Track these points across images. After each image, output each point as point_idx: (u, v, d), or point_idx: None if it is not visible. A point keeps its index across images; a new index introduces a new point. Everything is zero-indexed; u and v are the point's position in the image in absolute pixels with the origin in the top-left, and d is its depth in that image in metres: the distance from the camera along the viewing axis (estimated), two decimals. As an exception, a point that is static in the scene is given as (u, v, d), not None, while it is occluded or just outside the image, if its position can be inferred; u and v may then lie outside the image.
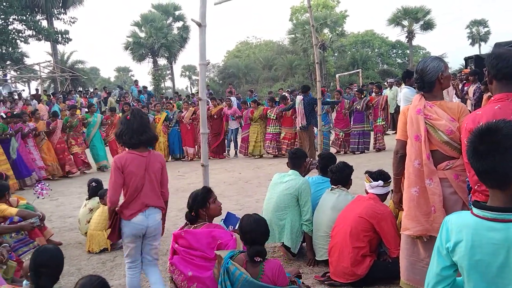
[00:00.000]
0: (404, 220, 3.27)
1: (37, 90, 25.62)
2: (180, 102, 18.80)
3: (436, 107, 3.12)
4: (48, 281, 2.76)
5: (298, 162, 5.08)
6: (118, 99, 22.53)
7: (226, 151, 14.39)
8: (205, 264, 3.68)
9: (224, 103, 15.21)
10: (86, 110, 14.87)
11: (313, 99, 11.29)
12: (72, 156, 12.50)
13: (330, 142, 12.93)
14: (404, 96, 7.25)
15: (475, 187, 2.57)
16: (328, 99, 13.94)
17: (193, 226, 4.02)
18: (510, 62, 2.58)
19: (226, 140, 14.41)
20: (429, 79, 3.16)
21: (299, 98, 11.63)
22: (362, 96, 13.10)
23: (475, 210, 1.77)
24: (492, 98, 2.63)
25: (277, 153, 13.13)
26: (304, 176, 5.04)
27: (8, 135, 10.37)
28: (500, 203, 1.72)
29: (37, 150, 11.45)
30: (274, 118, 13.07)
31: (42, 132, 11.67)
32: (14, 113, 11.80)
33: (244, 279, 3.15)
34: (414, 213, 3.16)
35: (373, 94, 13.61)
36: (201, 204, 4.00)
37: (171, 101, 17.71)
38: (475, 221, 1.74)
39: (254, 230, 3.36)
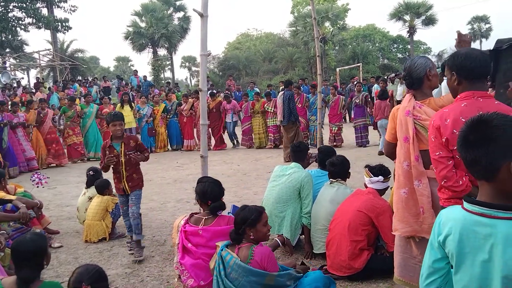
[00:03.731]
0: (394, 220, 3.28)
1: (37, 78, 25.52)
2: (179, 93, 18.78)
3: (425, 107, 3.10)
4: (28, 272, 2.71)
5: (300, 155, 5.08)
6: (118, 88, 22.47)
7: (236, 142, 14.48)
8: None
9: (222, 94, 15.29)
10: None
11: (291, 94, 11.10)
12: (66, 147, 12.56)
13: (328, 138, 13.05)
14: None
15: (442, 183, 2.59)
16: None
17: (203, 219, 3.77)
18: (482, 62, 2.63)
19: (229, 134, 14.49)
20: (417, 75, 3.16)
21: (280, 93, 11.48)
22: (361, 90, 13.17)
23: (465, 205, 1.78)
24: (458, 96, 2.67)
25: (276, 144, 13.31)
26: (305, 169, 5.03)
27: (1, 125, 10.33)
28: (488, 198, 1.74)
29: (27, 141, 11.41)
30: (272, 111, 13.15)
31: (31, 126, 11.62)
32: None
33: (234, 262, 3.26)
34: (403, 214, 3.17)
35: (378, 87, 13.58)
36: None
37: (170, 92, 17.71)
38: (463, 215, 1.76)
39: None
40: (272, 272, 3.26)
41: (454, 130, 2.49)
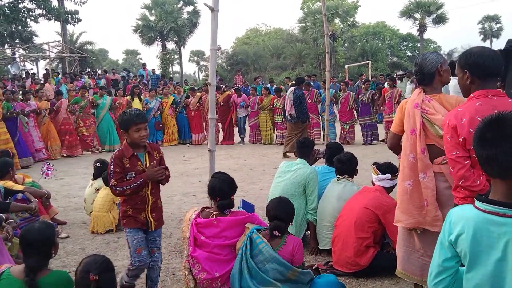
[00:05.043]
0: (397, 212, 3.29)
1: (47, 70, 25.63)
2: (187, 87, 18.79)
3: (434, 102, 3.11)
4: (35, 261, 2.72)
5: (306, 151, 5.08)
6: (126, 81, 22.54)
7: (241, 138, 14.42)
8: (234, 255, 3.58)
9: (232, 89, 15.26)
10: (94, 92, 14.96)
11: (301, 94, 11.05)
12: (78, 138, 12.62)
13: (338, 136, 12.99)
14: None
15: (459, 183, 2.58)
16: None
17: (214, 214, 3.66)
18: (495, 60, 2.63)
19: (239, 128, 14.44)
20: (429, 71, 3.15)
21: (290, 89, 11.38)
22: (369, 88, 13.10)
23: (477, 203, 1.79)
24: (472, 95, 2.67)
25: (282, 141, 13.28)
26: (311, 166, 5.03)
27: (14, 114, 10.46)
28: (502, 197, 1.75)
29: (37, 131, 11.48)
30: (281, 107, 13.10)
31: (44, 110, 11.68)
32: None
33: (263, 246, 3.38)
34: (407, 206, 3.18)
35: (386, 85, 13.47)
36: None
37: (179, 85, 17.75)
38: (476, 214, 1.77)
39: (276, 207, 3.62)
40: (298, 261, 3.40)
41: (471, 130, 2.47)
